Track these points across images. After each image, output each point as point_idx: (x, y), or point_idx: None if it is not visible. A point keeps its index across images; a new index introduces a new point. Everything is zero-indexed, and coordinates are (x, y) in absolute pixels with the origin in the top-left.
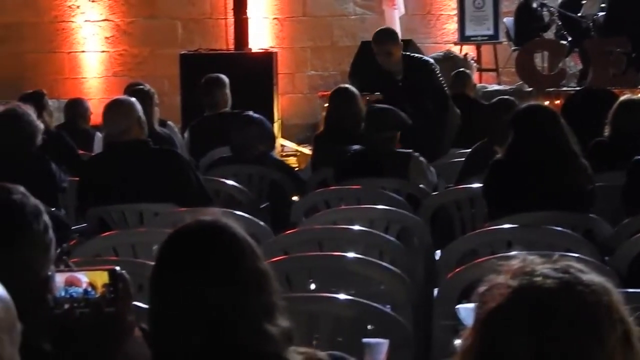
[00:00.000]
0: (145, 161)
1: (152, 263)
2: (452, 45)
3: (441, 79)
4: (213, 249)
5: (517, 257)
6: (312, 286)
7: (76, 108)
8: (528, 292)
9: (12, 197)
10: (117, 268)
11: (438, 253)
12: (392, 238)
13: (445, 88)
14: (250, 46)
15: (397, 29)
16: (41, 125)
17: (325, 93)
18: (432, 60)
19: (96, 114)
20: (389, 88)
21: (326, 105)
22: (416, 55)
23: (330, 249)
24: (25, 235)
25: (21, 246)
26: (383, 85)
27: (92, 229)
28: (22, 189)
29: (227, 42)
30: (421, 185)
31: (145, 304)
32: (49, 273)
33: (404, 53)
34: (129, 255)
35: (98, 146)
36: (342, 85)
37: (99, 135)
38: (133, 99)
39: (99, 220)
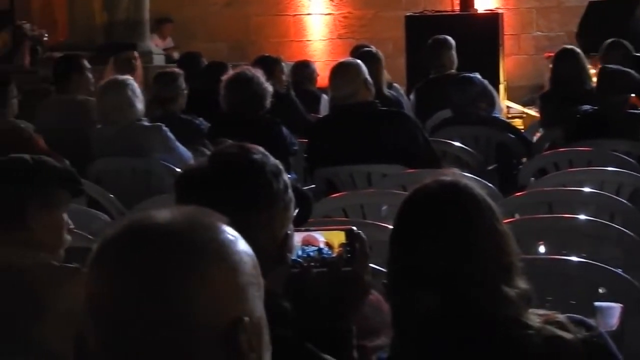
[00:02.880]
0: (373, 123)
1: (381, 224)
2: None
3: None
4: (452, 209)
5: None
6: (542, 249)
7: (303, 70)
8: None
9: (253, 156)
10: (354, 228)
11: None
12: (624, 200)
13: None
14: (475, 7)
15: None
16: (270, 88)
17: (552, 54)
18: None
19: (322, 76)
20: None
21: (551, 66)
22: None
23: (561, 211)
24: (266, 194)
25: (262, 205)
26: None
27: (320, 190)
28: (261, 149)
29: (452, 3)
30: None
31: (376, 265)
32: (288, 232)
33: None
34: (358, 216)
35: (324, 108)
36: (567, 46)
37: (325, 97)
38: (358, 61)
39: (327, 182)
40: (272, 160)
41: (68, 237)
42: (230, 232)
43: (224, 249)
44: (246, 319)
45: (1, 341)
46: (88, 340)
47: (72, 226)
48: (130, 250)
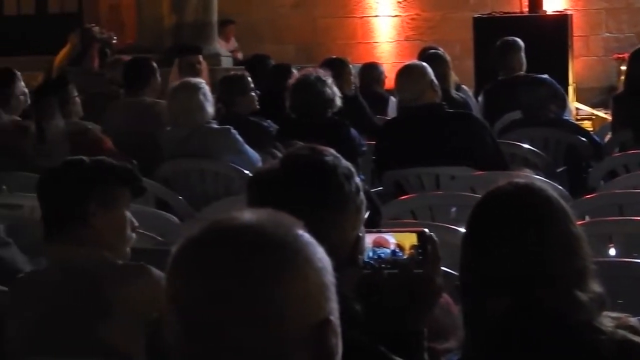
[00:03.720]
0: (441, 124)
1: (450, 226)
2: None
3: None
4: (527, 212)
5: None
6: (613, 251)
7: (371, 72)
8: None
9: (324, 158)
10: (426, 230)
11: None
12: None
13: None
14: (544, 8)
15: None
16: (337, 91)
17: (621, 55)
18: None
19: (390, 78)
20: None
21: (623, 68)
22: None
23: (631, 214)
24: (338, 196)
25: (334, 207)
26: None
27: (388, 192)
28: (333, 151)
29: (520, 5)
30: None
31: (445, 267)
32: (360, 234)
33: None
34: (426, 218)
35: (392, 110)
36: None
37: (392, 99)
38: (424, 64)
39: (395, 184)
40: (344, 162)
41: (132, 235)
42: (308, 234)
43: (310, 249)
44: (332, 318)
45: (66, 339)
46: (170, 339)
47: (136, 224)
48: (218, 251)
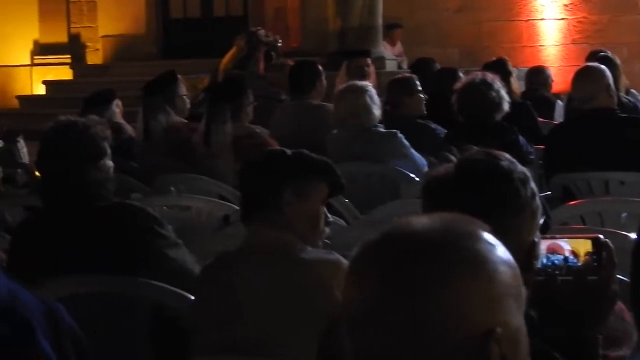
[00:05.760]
0: (612, 129)
1: (621, 232)
2: None
3: None
4: None
5: None
6: None
7: (538, 76)
8: None
9: (501, 163)
10: (601, 236)
11: None
12: None
13: None
14: None
15: None
16: (506, 96)
17: None
18: None
19: (556, 82)
20: None
21: None
22: None
23: None
24: (514, 201)
25: (510, 212)
26: None
27: (556, 197)
28: (508, 156)
29: None
30: None
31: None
32: (535, 240)
33: None
34: (596, 224)
35: (559, 114)
36: None
37: (560, 103)
38: (604, 67)
39: (564, 188)
40: (520, 167)
41: (326, 230)
42: (488, 241)
43: (479, 259)
44: (499, 330)
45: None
46: (342, 343)
47: (331, 219)
48: (385, 259)
